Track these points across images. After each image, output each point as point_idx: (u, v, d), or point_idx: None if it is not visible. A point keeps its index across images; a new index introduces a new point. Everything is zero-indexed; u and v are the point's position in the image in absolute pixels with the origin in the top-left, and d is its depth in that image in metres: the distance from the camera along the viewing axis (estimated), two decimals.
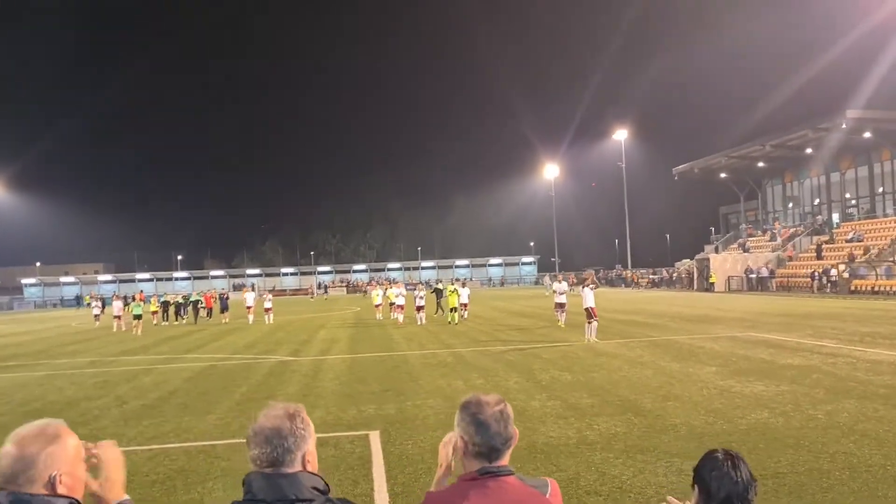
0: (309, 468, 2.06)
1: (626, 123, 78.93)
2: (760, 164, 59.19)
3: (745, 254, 54.10)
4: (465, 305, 29.04)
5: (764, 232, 59.57)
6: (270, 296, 35.60)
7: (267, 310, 33.55)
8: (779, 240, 54.95)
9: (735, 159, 57.53)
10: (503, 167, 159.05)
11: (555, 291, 24.93)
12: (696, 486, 2.46)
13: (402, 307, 29.35)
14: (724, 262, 52.69)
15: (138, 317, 31.33)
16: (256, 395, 12.46)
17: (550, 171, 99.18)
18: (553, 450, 7.79)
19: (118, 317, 34.28)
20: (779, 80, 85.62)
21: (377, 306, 33.60)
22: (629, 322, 25.13)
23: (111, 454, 2.16)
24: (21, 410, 11.93)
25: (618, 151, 77.98)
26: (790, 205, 62.87)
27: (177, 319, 36.98)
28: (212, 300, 38.32)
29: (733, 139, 64.70)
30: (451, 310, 27.33)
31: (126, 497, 2.11)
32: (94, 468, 2.12)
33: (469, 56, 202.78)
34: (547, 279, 64.36)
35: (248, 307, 34.34)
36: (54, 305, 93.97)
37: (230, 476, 7.25)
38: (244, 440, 6.99)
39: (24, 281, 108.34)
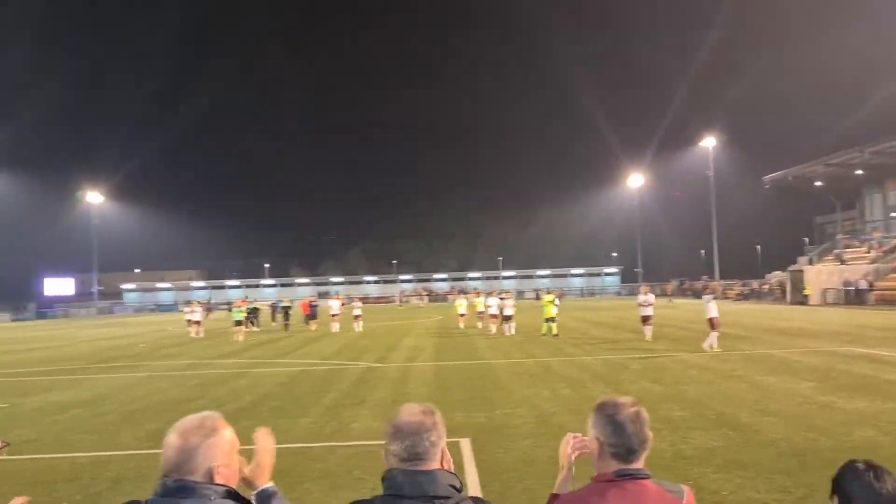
0: (445, 465, 2.13)
1: (715, 130, 76.89)
2: (859, 172, 56.63)
3: (842, 265, 51.76)
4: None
5: (862, 243, 56.88)
6: (360, 303, 35.16)
7: (356, 317, 33.28)
8: (879, 251, 52.37)
9: (832, 167, 55.29)
10: (586, 176, 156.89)
11: (640, 304, 23.73)
12: (835, 496, 2.33)
13: (495, 316, 28.92)
14: (819, 274, 50.56)
15: (239, 322, 31.54)
16: (347, 400, 12.72)
17: (634, 181, 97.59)
18: (648, 462, 7.59)
19: (197, 322, 33.88)
20: (878, 84, 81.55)
21: (461, 315, 33.43)
22: (720, 335, 24.39)
23: (265, 442, 2.30)
24: (126, 410, 12.54)
25: (705, 159, 76.10)
26: (892, 214, 59.86)
27: (252, 325, 36.66)
28: (308, 307, 38.06)
29: (828, 146, 62.16)
30: (546, 320, 25.82)
31: (271, 484, 2.22)
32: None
33: (552, 63, 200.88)
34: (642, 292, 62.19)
35: (334, 315, 33.89)
36: (151, 310, 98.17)
37: (327, 478, 7.44)
38: (338, 443, 7.22)
39: (124, 286, 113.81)
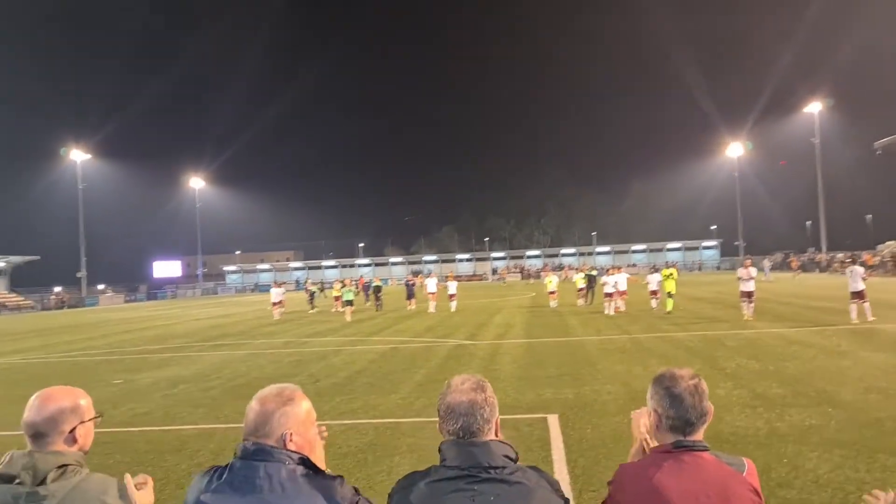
0: (499, 436, 2.18)
1: (821, 95, 73.13)
2: None
3: None
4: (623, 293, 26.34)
5: None
6: (455, 282, 34.02)
7: (451, 296, 32.45)
8: None
9: None
10: (682, 147, 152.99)
11: (739, 278, 21.69)
12: None
13: (624, 293, 26.47)
14: None
15: (349, 302, 30.98)
16: (437, 376, 12.91)
17: (734, 150, 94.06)
18: (740, 440, 7.48)
19: (277, 303, 33.67)
20: None
21: (551, 293, 32.53)
22: (823, 309, 23.38)
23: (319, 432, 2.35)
24: (229, 385, 13.17)
25: (811, 126, 72.52)
26: None
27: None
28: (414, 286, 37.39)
29: None
30: (669, 294, 24.57)
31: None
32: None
33: (645, 28, 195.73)
34: (766, 263, 57.67)
35: (431, 293, 32.87)
36: (251, 290, 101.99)
37: (416, 452, 7.61)
38: (427, 419, 7.36)
39: (226, 268, 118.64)
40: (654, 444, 2.33)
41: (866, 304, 19.13)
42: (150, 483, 2.52)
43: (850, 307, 19.25)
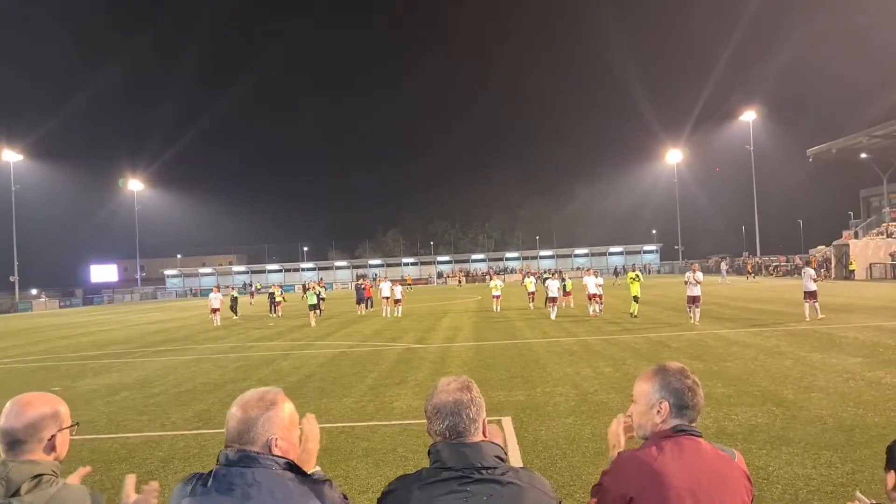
0: (487, 436, 2.17)
1: (755, 105, 75.57)
2: None
3: (890, 239, 50.52)
4: (600, 297, 26.15)
5: None
6: (400, 287, 33.40)
7: (396, 301, 31.75)
8: None
9: (878, 139, 53.74)
10: (623, 153, 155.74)
11: (686, 282, 21.22)
12: (891, 470, 2.21)
13: (597, 296, 25.97)
14: (865, 249, 49.52)
15: (314, 306, 29.01)
16: (388, 380, 12.85)
17: (673, 157, 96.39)
18: None
19: (216, 310, 32.13)
20: None
21: (531, 293, 32.47)
22: (761, 311, 24.10)
23: (313, 428, 2.35)
24: (174, 391, 12.85)
25: (746, 134, 74.76)
26: None
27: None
28: (370, 290, 36.68)
29: (873, 118, 60.35)
30: (634, 298, 24.30)
31: (317, 468, 2.26)
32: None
33: (587, 40, 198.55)
34: (723, 266, 59.26)
35: (385, 298, 31.93)
36: (193, 295, 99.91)
37: (371, 455, 7.55)
38: (381, 422, 7.32)
39: (167, 272, 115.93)
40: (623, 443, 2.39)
41: (817, 304, 20.58)
42: (156, 488, 2.33)
43: (805, 305, 20.67)
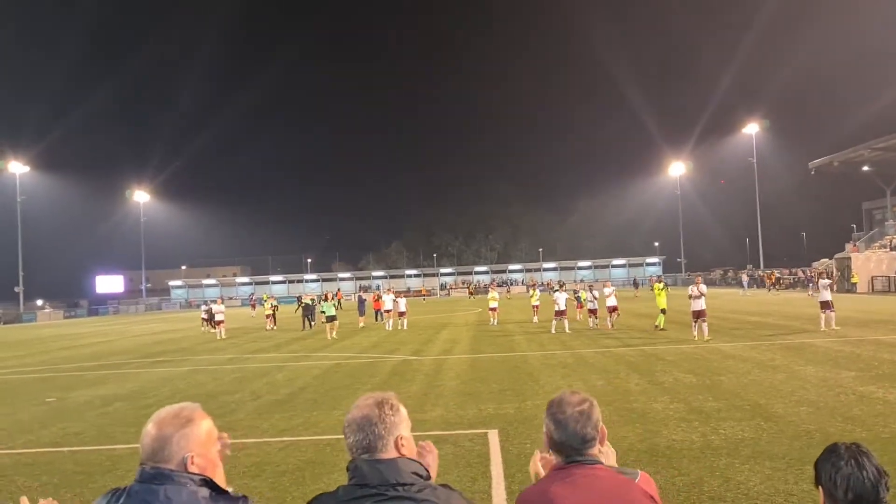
0: (405, 453, 2.16)
1: (758, 117, 75.56)
2: None
3: (893, 252, 50.33)
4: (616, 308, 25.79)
5: None
6: (404, 298, 32.89)
7: (401, 314, 30.88)
8: None
9: (880, 151, 53.69)
10: (627, 166, 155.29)
11: (690, 296, 20.29)
12: (819, 486, 2.26)
13: (594, 311, 26.13)
14: (867, 262, 49.31)
15: (332, 318, 27.50)
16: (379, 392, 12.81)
17: (676, 169, 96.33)
18: (675, 453, 7.61)
19: (220, 321, 32.01)
20: None
21: (535, 307, 31.39)
22: (759, 324, 24.01)
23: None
24: (168, 403, 12.72)
25: (749, 146, 74.74)
26: None
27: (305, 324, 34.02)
28: (379, 302, 35.08)
29: (876, 130, 60.27)
30: (662, 311, 23.58)
31: (231, 489, 2.18)
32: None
33: (591, 53, 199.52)
34: (744, 278, 58.70)
35: (387, 311, 31.33)
36: (198, 306, 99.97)
37: None
38: None
39: (171, 283, 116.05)
40: (543, 474, 2.40)
41: (825, 314, 21.03)
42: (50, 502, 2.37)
43: (821, 316, 21.13)
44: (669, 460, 7.33)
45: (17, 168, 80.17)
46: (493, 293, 33.08)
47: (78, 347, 29.08)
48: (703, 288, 20.24)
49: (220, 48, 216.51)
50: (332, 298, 30.44)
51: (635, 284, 70.99)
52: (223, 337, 29.70)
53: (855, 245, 56.93)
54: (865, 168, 60.00)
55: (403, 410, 2.22)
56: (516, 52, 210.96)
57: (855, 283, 47.68)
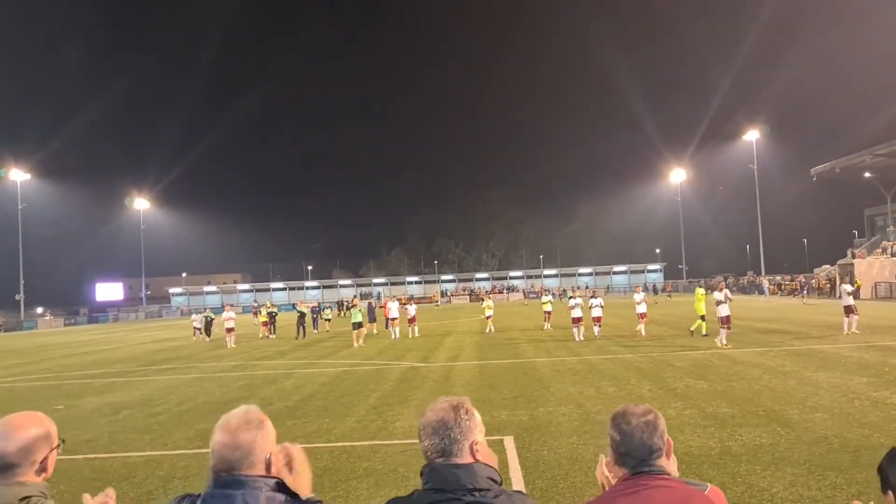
0: (479, 458, 2.14)
1: (758, 124, 75.71)
2: None
3: (895, 258, 50.31)
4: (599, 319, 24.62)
5: None
6: (414, 304, 32.50)
7: (410, 320, 30.05)
8: None
9: (882, 157, 53.65)
10: (627, 172, 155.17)
11: (718, 302, 19.77)
12: (888, 492, 2.18)
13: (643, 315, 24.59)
14: (870, 268, 49.24)
15: (359, 325, 26.54)
16: (390, 399, 12.80)
17: (677, 176, 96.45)
18: (694, 459, 7.58)
19: (201, 329, 33.27)
20: None
21: (547, 313, 30.40)
22: (766, 330, 23.98)
23: (301, 454, 2.26)
24: (176, 410, 12.81)
25: (749, 153, 74.84)
26: None
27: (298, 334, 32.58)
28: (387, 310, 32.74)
29: (878, 136, 60.31)
30: (702, 317, 22.58)
31: (313, 494, 2.19)
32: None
33: (592, 59, 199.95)
34: (765, 283, 55.98)
35: (393, 319, 29.63)
36: (199, 313, 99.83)
37: (372, 476, 7.51)
38: (382, 441, 7.29)
39: (172, 290, 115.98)
40: (613, 483, 2.35)
41: (853, 318, 21.26)
42: (112, 495, 2.37)
43: (844, 321, 21.46)
44: (689, 466, 7.29)
45: (18, 175, 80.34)
46: (488, 301, 32.60)
47: (81, 355, 29.02)
48: (728, 293, 20.35)
49: (220, 56, 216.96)
50: (359, 305, 28.90)
51: (654, 291, 70.55)
52: (233, 346, 28.73)
53: (862, 251, 56.79)
54: (867, 174, 60.01)
55: (478, 416, 2.21)
56: (519, 60, 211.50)
57: (859, 289, 47.60)
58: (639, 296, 25.39)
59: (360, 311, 27.14)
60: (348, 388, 14.58)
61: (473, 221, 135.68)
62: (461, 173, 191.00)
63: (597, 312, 24.44)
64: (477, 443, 2.15)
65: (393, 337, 28.50)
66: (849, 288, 22.17)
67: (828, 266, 60.94)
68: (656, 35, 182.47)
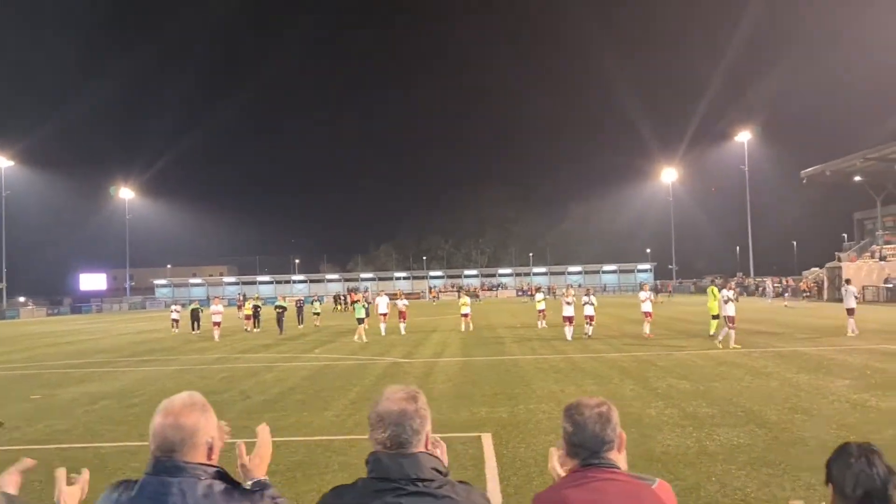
0: (429, 448, 2.10)
1: (750, 125, 76.04)
2: None
3: (882, 262, 50.61)
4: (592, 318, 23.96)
5: None
6: (405, 300, 31.11)
7: (401, 313, 29.07)
8: None
9: (872, 161, 53.90)
10: (618, 172, 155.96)
11: (727, 300, 19.53)
12: (829, 483, 2.31)
13: (649, 314, 24.28)
14: (858, 271, 49.48)
15: (361, 320, 25.96)
16: (370, 394, 12.71)
17: (668, 176, 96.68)
18: (671, 458, 7.54)
19: (178, 321, 33.73)
20: None
21: (541, 311, 29.66)
22: (752, 332, 24.02)
23: (267, 436, 2.27)
24: (155, 401, 12.44)
25: (740, 154, 75.13)
26: None
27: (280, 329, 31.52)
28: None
29: (868, 140, 60.62)
30: (714, 317, 21.98)
31: (266, 477, 2.17)
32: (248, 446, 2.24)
33: (584, 60, 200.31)
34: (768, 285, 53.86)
35: (382, 314, 28.84)
36: (183, 305, 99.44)
37: (347, 470, 7.43)
38: (360, 436, 7.19)
39: (156, 282, 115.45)
40: (564, 474, 2.31)
41: (851, 320, 21.91)
42: (86, 477, 2.30)
43: (848, 322, 21.88)
44: (665, 465, 7.25)
45: (2, 162, 79.57)
46: (465, 298, 31.93)
47: (63, 345, 28.81)
48: (731, 293, 19.80)
49: (210, 48, 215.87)
50: (363, 300, 28.46)
51: (656, 291, 70.55)
52: (218, 339, 27.95)
53: (853, 255, 56.98)
54: (857, 178, 60.28)
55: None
56: (513, 60, 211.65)
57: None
58: (644, 294, 24.88)
59: (362, 306, 26.71)
60: (329, 383, 14.49)
61: (464, 218, 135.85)
62: (453, 171, 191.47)
63: (589, 311, 23.95)
64: (429, 433, 2.11)
65: (383, 333, 27.52)
66: (854, 290, 22.89)
67: (816, 269, 61.26)
68: (649, 35, 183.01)
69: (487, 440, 8.62)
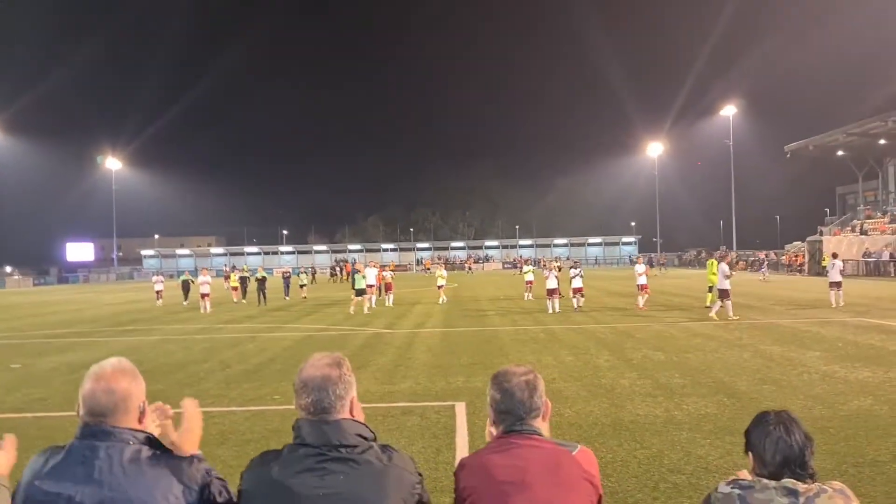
0: (354, 415, 2.15)
1: (735, 99, 75.96)
2: (882, 142, 55.62)
3: (863, 236, 51.06)
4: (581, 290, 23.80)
5: (884, 213, 56.04)
6: (391, 272, 30.89)
7: (388, 287, 29.22)
8: None
9: (854, 136, 54.24)
10: (605, 145, 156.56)
11: (726, 276, 19.51)
12: (749, 452, 2.39)
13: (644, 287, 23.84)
14: (839, 245, 49.88)
15: (362, 291, 25.26)
16: (351, 364, 12.79)
17: (654, 150, 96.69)
18: (639, 427, 7.70)
19: (161, 291, 33.50)
20: None
21: (529, 283, 29.90)
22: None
23: (194, 409, 2.28)
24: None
25: (725, 128, 75.17)
26: None
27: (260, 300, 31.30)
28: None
29: (851, 116, 60.89)
30: (710, 289, 22.09)
31: (199, 452, 2.18)
32: (175, 420, 2.27)
33: (570, 32, 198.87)
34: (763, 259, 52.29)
35: (370, 286, 26.37)
36: (171, 276, 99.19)
37: None
38: None
39: (144, 252, 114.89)
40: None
41: (840, 292, 22.69)
42: (12, 441, 2.33)
43: (830, 294, 22.75)
44: (632, 434, 7.41)
45: None
46: (441, 270, 31.76)
47: (47, 315, 28.75)
48: (726, 268, 19.85)
49: (196, 16, 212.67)
50: (362, 271, 26.82)
51: (651, 264, 70.52)
52: (209, 311, 27.06)
53: (835, 229, 57.40)
54: (840, 153, 60.67)
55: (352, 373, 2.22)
56: (500, 34, 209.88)
57: (825, 266, 48.28)
58: (640, 267, 24.64)
59: (363, 276, 25.69)
60: (309, 353, 14.47)
61: (451, 191, 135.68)
62: (441, 144, 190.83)
63: (577, 283, 23.79)
64: (354, 399, 2.16)
65: (371, 305, 26.62)
66: (840, 264, 23.46)
67: (798, 243, 61.74)
68: (635, 9, 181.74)
69: (461, 409, 8.75)
